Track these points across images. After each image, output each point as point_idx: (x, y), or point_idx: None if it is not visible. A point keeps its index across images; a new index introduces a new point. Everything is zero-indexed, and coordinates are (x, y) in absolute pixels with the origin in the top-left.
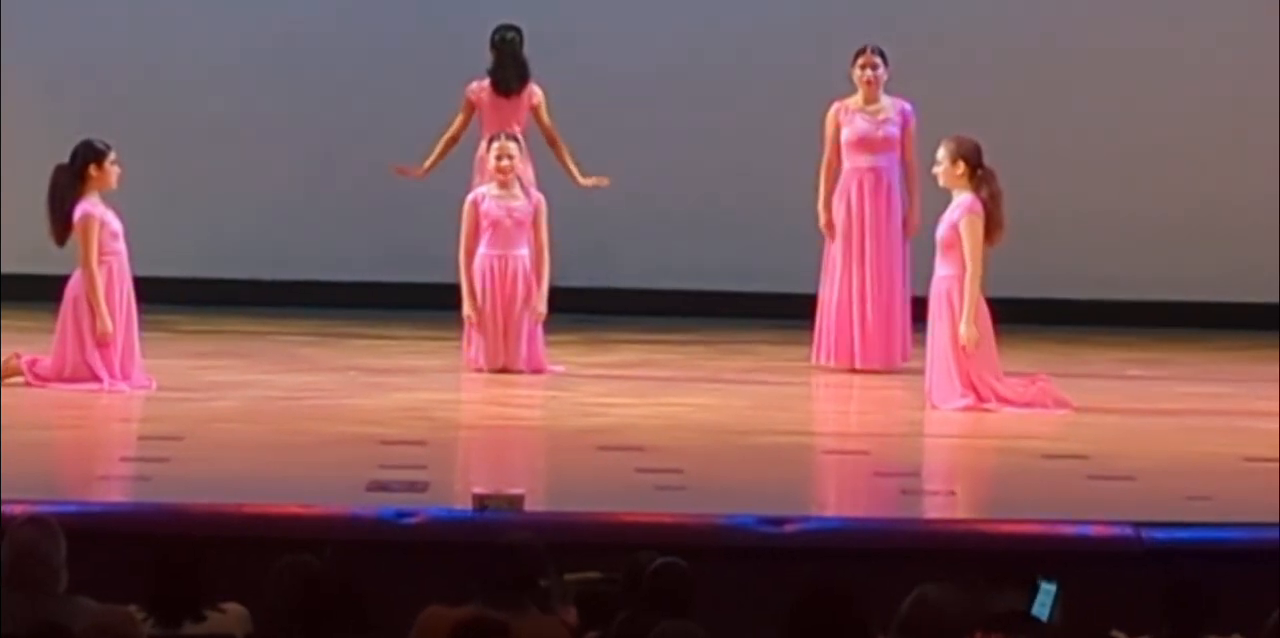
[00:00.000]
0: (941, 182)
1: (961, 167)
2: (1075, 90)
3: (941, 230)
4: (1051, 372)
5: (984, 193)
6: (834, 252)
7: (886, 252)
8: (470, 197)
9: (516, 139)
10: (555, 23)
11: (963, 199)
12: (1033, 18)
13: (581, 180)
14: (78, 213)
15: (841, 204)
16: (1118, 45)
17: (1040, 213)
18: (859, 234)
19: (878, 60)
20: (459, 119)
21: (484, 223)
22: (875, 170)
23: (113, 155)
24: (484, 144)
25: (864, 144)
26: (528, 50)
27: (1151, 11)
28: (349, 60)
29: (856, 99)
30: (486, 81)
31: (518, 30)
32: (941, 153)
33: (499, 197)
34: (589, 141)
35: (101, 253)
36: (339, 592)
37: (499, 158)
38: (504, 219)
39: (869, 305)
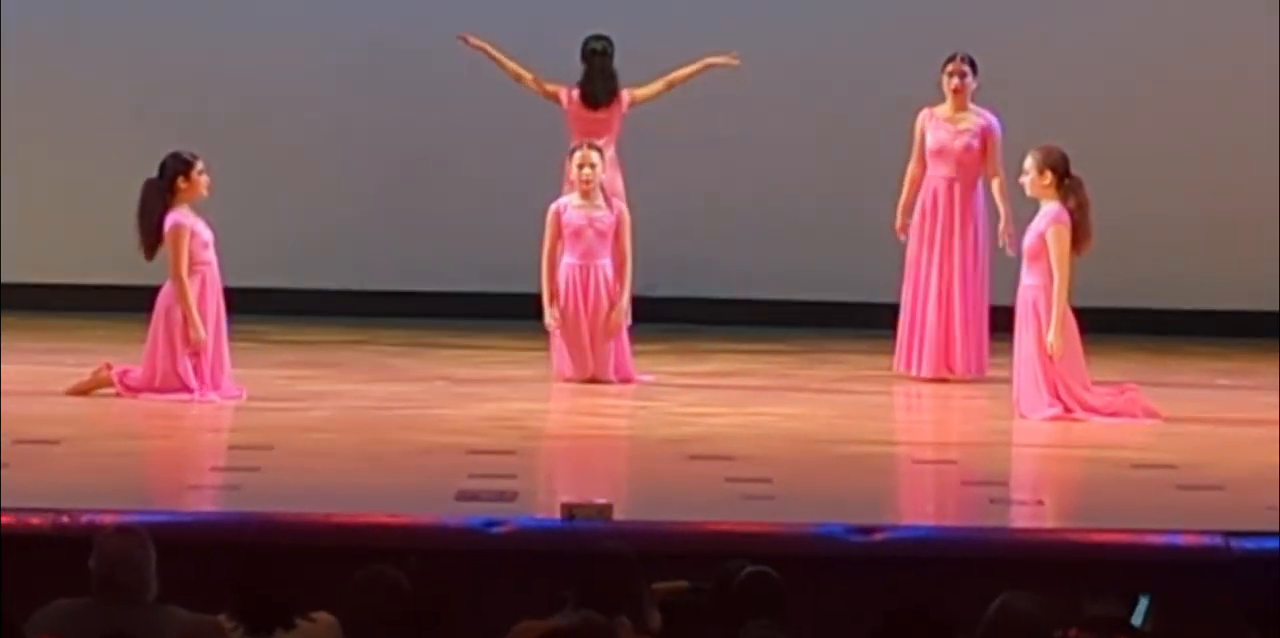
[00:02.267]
0: (1029, 191)
1: (1049, 176)
2: (1157, 94)
3: (1028, 240)
4: (1140, 381)
5: (1071, 203)
6: (911, 260)
7: (961, 261)
8: (553, 206)
9: (599, 149)
10: (637, 31)
11: (1050, 209)
12: (1101, 25)
13: (714, 59)
14: (168, 223)
15: (919, 212)
16: (1186, 50)
17: (1129, 221)
18: (930, 243)
19: (966, 68)
20: (539, 82)
21: (566, 232)
22: (949, 180)
23: (200, 165)
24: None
25: (941, 154)
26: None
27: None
28: (438, 70)
29: (944, 107)
30: (577, 92)
31: (607, 40)
32: (1029, 162)
33: (581, 206)
34: (672, 150)
35: (193, 263)
36: (424, 602)
37: (580, 166)
38: (586, 229)
39: (943, 315)
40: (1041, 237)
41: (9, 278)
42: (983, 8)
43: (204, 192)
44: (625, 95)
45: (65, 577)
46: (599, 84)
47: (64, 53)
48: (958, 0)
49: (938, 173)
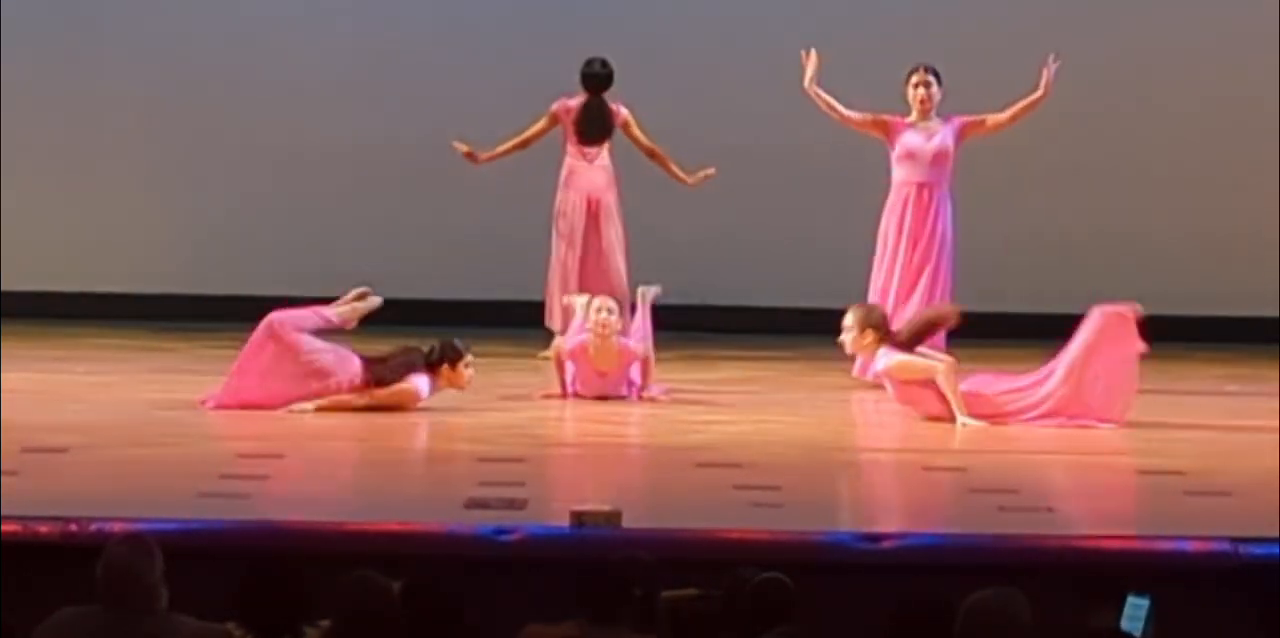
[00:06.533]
0: (849, 349)
1: (870, 335)
2: (1164, 106)
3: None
4: (1149, 388)
5: (900, 338)
6: (876, 264)
7: (926, 264)
8: (565, 346)
9: (612, 310)
10: (646, 40)
11: (882, 356)
12: (1105, 38)
13: (690, 181)
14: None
15: (891, 218)
16: (1193, 63)
17: (1138, 229)
18: (894, 247)
19: (931, 79)
20: (538, 126)
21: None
22: (921, 185)
23: None
24: (568, 161)
25: (913, 157)
26: (623, 65)
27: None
28: (448, 82)
29: (911, 117)
30: (574, 101)
31: (605, 65)
32: (849, 320)
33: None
34: (680, 158)
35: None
36: (437, 608)
37: (599, 310)
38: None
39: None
40: None
41: (15, 286)
42: (983, 23)
43: None
44: (623, 109)
45: (73, 586)
46: (595, 124)
47: (70, 59)
48: (959, 16)
49: (908, 178)
